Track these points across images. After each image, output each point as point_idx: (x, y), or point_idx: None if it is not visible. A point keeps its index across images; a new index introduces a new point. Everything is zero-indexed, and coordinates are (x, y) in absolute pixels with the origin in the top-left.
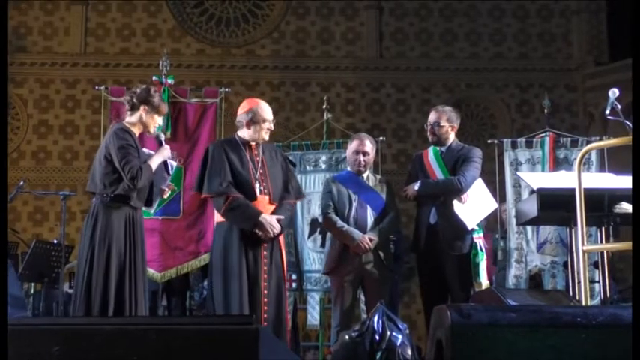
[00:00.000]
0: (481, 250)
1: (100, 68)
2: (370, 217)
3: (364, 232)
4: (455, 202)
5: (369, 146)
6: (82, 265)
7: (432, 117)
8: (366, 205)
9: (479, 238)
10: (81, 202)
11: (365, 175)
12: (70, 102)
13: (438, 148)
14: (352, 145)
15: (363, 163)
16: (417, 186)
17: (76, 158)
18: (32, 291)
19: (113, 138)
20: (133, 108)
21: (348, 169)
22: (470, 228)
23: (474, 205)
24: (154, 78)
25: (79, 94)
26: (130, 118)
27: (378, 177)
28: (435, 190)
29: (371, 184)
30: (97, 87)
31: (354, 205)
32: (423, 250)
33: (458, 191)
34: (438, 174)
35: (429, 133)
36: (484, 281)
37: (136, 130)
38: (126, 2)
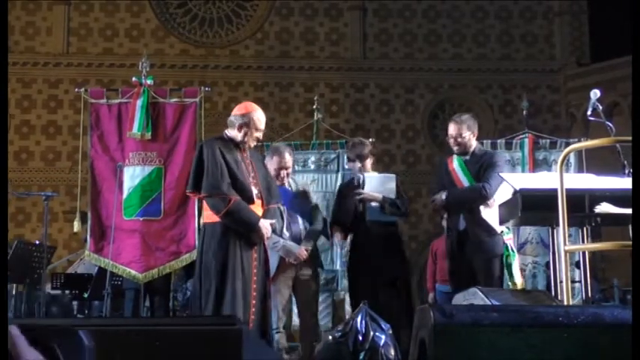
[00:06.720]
0: (512, 251)
1: (82, 68)
2: (302, 225)
3: (298, 241)
4: (482, 208)
5: (289, 160)
6: None
7: (453, 130)
8: (295, 215)
9: (509, 240)
10: (63, 203)
11: (286, 182)
12: (53, 102)
13: (462, 157)
14: (273, 161)
15: (286, 176)
16: (444, 195)
17: (58, 159)
18: (14, 292)
19: None
20: None
21: None
22: (499, 231)
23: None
24: (133, 79)
25: (61, 94)
26: None
27: (299, 183)
28: (462, 198)
29: (293, 189)
30: (77, 89)
31: (285, 216)
32: (455, 256)
33: (484, 198)
34: (464, 182)
35: (452, 145)
36: (518, 280)
37: None
38: (108, 2)
